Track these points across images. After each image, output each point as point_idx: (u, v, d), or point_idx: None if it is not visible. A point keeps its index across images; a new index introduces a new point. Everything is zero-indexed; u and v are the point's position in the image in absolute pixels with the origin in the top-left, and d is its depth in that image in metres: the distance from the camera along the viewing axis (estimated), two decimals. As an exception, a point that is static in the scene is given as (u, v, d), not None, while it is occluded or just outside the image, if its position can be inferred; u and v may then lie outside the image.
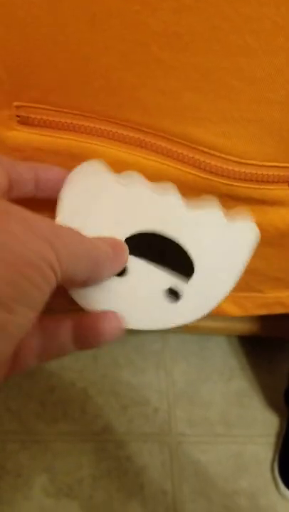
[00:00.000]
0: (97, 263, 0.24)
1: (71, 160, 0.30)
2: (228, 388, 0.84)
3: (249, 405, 0.82)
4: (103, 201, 0.28)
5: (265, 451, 0.77)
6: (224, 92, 0.27)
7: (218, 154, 0.30)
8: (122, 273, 0.27)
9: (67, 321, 0.26)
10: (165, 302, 0.27)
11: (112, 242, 0.26)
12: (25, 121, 0.31)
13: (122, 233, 0.27)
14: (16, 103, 0.31)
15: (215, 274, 0.28)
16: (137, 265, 0.27)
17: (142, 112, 0.29)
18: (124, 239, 0.27)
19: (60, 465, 0.73)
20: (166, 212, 0.28)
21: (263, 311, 0.43)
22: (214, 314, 0.42)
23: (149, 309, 0.27)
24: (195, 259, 0.28)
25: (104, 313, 0.25)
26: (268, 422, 0.80)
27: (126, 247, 0.27)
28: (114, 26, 0.26)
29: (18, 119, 0.31)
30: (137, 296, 0.27)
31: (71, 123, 0.30)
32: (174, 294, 0.27)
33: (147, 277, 0.27)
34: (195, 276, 0.28)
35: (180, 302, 0.27)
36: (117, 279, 0.27)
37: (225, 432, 0.79)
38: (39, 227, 0.21)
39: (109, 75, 0.28)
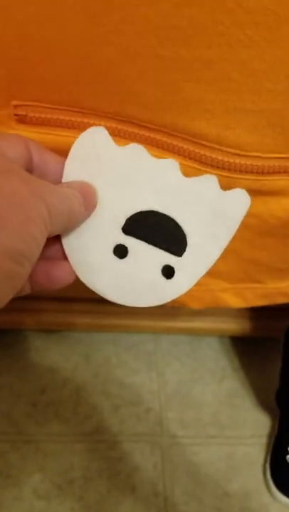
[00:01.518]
0: (72, 216, 0.26)
1: None
2: (220, 389, 0.84)
3: (241, 406, 0.82)
4: (106, 169, 0.29)
5: (256, 453, 0.77)
6: (226, 84, 0.27)
7: (218, 147, 0.30)
8: (123, 254, 0.29)
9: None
10: (162, 279, 0.29)
11: (81, 188, 0.27)
12: (23, 120, 0.31)
13: (122, 205, 0.29)
14: (14, 102, 0.30)
15: (206, 243, 0.29)
16: (137, 246, 0.29)
17: (142, 107, 0.29)
18: (124, 211, 0.29)
19: (51, 466, 0.72)
20: (162, 178, 0.29)
21: (264, 302, 0.44)
22: (215, 306, 0.42)
23: (147, 287, 0.29)
24: (188, 230, 0.29)
25: (58, 262, 0.28)
26: (259, 422, 0.80)
27: (95, 191, 0.28)
28: (114, 21, 0.26)
29: (17, 117, 0.31)
30: (135, 276, 0.29)
31: (70, 120, 0.30)
32: (169, 270, 0.29)
33: (145, 257, 0.29)
34: (188, 248, 0.29)
35: (175, 276, 0.29)
36: (118, 260, 0.29)
37: (217, 433, 0.79)
38: (37, 186, 0.23)
39: (108, 71, 0.28)
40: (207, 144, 0.30)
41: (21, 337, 0.86)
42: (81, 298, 0.73)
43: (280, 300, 0.43)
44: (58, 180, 0.28)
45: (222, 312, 0.80)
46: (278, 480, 0.73)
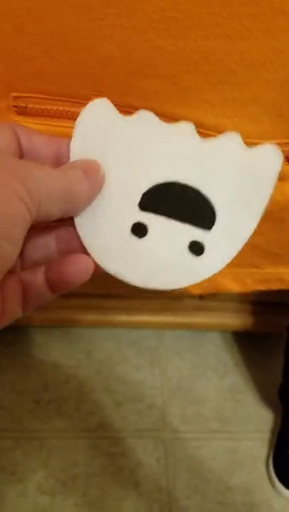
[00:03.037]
0: (72, 196, 0.24)
1: None
2: (222, 384, 0.84)
3: (243, 401, 0.82)
4: (114, 143, 0.26)
5: (259, 447, 0.77)
6: (223, 75, 0.27)
7: (217, 135, 0.30)
8: (143, 233, 0.26)
9: (40, 270, 0.26)
10: (189, 257, 0.26)
11: (84, 166, 0.25)
12: (23, 112, 0.31)
13: (135, 179, 0.26)
14: (13, 93, 0.30)
15: (238, 212, 0.26)
16: (157, 222, 0.26)
17: (141, 98, 0.29)
18: (139, 186, 0.26)
19: (54, 462, 0.73)
20: (179, 144, 0.26)
21: (262, 287, 0.44)
22: (214, 291, 0.42)
23: (174, 267, 0.26)
24: (215, 200, 0.26)
25: (72, 257, 0.25)
26: (262, 417, 0.81)
27: (99, 168, 0.26)
28: (111, 14, 0.26)
29: (16, 109, 0.31)
30: (159, 256, 0.26)
31: (69, 111, 0.30)
32: (198, 247, 0.26)
33: (168, 234, 0.26)
34: (218, 221, 0.26)
35: (205, 253, 0.26)
36: (139, 240, 0.26)
37: (219, 428, 0.79)
38: (12, 165, 0.22)
39: (107, 64, 0.28)
40: (207, 132, 0.30)
41: (23, 334, 0.86)
42: (83, 293, 0.73)
43: (278, 286, 0.43)
44: (52, 162, 0.26)
45: (224, 307, 0.80)
46: (281, 474, 0.73)
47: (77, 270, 0.25)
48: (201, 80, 0.28)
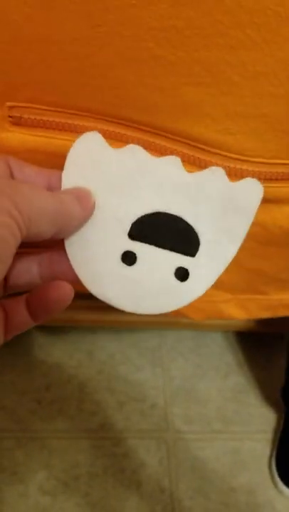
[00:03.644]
0: (63, 215, 0.24)
1: None
2: (224, 384, 0.84)
3: (246, 401, 0.82)
4: (104, 174, 0.27)
5: (262, 447, 0.77)
6: (226, 87, 0.26)
7: (218, 152, 0.29)
8: (132, 261, 0.28)
9: (23, 298, 0.27)
10: (175, 282, 0.28)
11: (76, 192, 0.26)
12: (18, 122, 0.30)
13: (126, 209, 0.27)
14: (8, 103, 0.30)
15: (220, 240, 0.28)
16: (145, 251, 0.28)
17: (140, 111, 0.28)
18: (128, 216, 0.27)
19: (56, 462, 0.73)
20: (165, 176, 0.28)
21: (267, 314, 0.43)
22: (217, 318, 0.41)
23: (161, 293, 0.28)
24: (199, 229, 0.28)
25: (52, 283, 0.26)
26: (265, 417, 0.80)
27: (90, 195, 0.27)
28: (110, 22, 0.25)
29: (11, 119, 0.30)
30: (148, 282, 0.28)
31: (66, 122, 0.29)
32: (183, 272, 0.28)
33: (156, 261, 0.28)
34: (201, 248, 0.28)
35: (190, 278, 0.28)
36: (128, 268, 0.27)
37: (222, 428, 0.79)
38: (1, 184, 0.22)
39: (105, 74, 0.27)
40: (207, 148, 0.29)
41: (25, 334, 0.85)
42: (84, 294, 0.72)
43: (283, 313, 0.42)
44: None
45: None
46: (284, 474, 0.73)
47: (58, 297, 0.25)
48: (203, 93, 0.27)
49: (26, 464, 0.72)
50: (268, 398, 0.82)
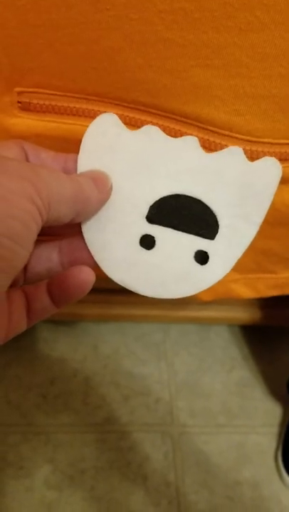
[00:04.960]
0: (82, 199, 0.24)
1: (77, 146, 0.29)
2: (229, 378, 0.84)
3: (251, 395, 0.82)
4: (120, 157, 0.27)
5: (267, 441, 0.77)
6: (235, 69, 0.26)
7: (228, 133, 0.29)
8: (151, 245, 0.27)
9: (43, 283, 0.27)
10: (195, 266, 0.27)
11: (93, 175, 0.26)
12: (26, 107, 0.30)
13: (143, 192, 0.27)
14: (17, 89, 0.30)
15: (239, 222, 0.27)
16: (164, 235, 0.27)
17: (149, 94, 0.28)
18: (145, 199, 0.27)
19: (61, 457, 0.72)
20: (183, 158, 0.27)
21: (275, 292, 0.43)
22: (225, 297, 0.41)
23: (182, 277, 0.27)
24: (218, 211, 0.27)
25: (73, 268, 0.25)
26: (270, 411, 0.80)
27: (108, 178, 0.27)
28: (118, 5, 0.25)
29: (20, 105, 0.30)
30: (167, 266, 0.27)
31: (74, 107, 0.29)
32: (203, 256, 0.27)
33: (176, 245, 0.27)
34: (220, 230, 0.27)
35: (210, 261, 0.27)
36: (147, 252, 0.27)
37: (227, 422, 0.78)
38: (21, 168, 0.21)
39: (114, 57, 0.27)
40: (217, 130, 0.29)
41: (30, 329, 0.86)
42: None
43: None
44: None
45: (232, 301, 0.79)
46: (290, 468, 0.72)
47: (79, 282, 0.25)
48: (212, 75, 0.27)
49: (32, 458, 0.72)
50: (274, 392, 0.82)
